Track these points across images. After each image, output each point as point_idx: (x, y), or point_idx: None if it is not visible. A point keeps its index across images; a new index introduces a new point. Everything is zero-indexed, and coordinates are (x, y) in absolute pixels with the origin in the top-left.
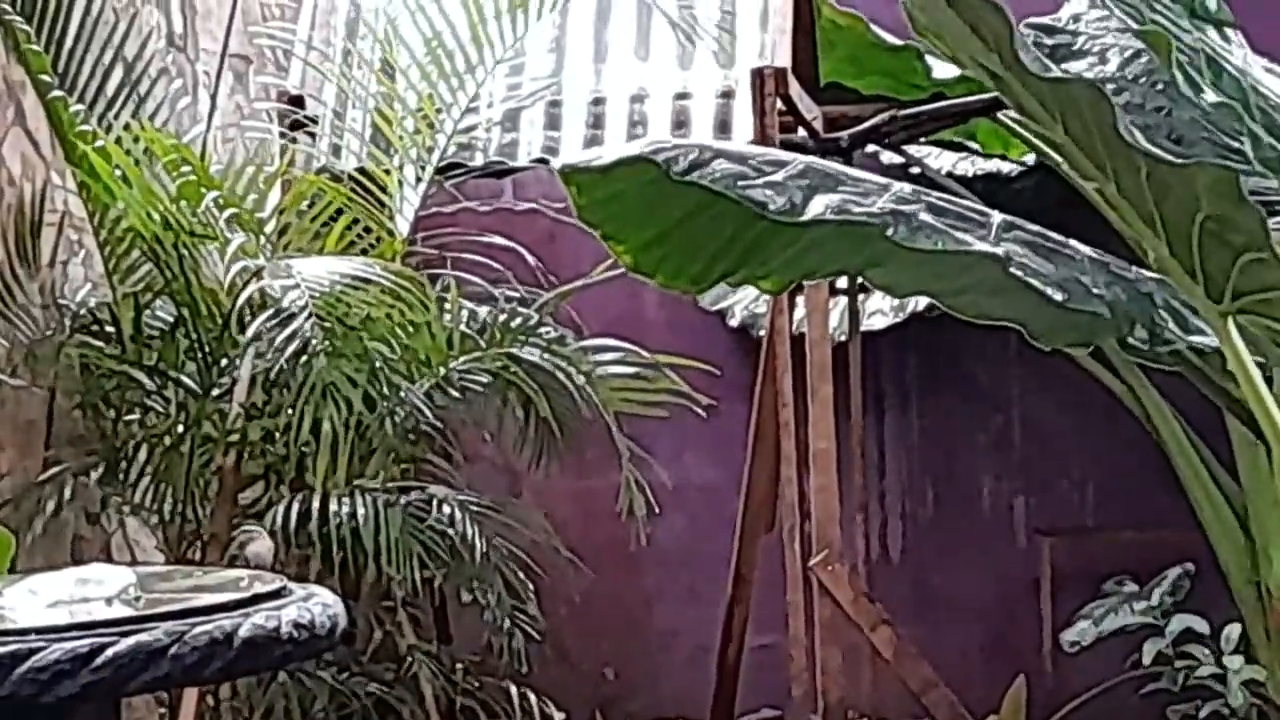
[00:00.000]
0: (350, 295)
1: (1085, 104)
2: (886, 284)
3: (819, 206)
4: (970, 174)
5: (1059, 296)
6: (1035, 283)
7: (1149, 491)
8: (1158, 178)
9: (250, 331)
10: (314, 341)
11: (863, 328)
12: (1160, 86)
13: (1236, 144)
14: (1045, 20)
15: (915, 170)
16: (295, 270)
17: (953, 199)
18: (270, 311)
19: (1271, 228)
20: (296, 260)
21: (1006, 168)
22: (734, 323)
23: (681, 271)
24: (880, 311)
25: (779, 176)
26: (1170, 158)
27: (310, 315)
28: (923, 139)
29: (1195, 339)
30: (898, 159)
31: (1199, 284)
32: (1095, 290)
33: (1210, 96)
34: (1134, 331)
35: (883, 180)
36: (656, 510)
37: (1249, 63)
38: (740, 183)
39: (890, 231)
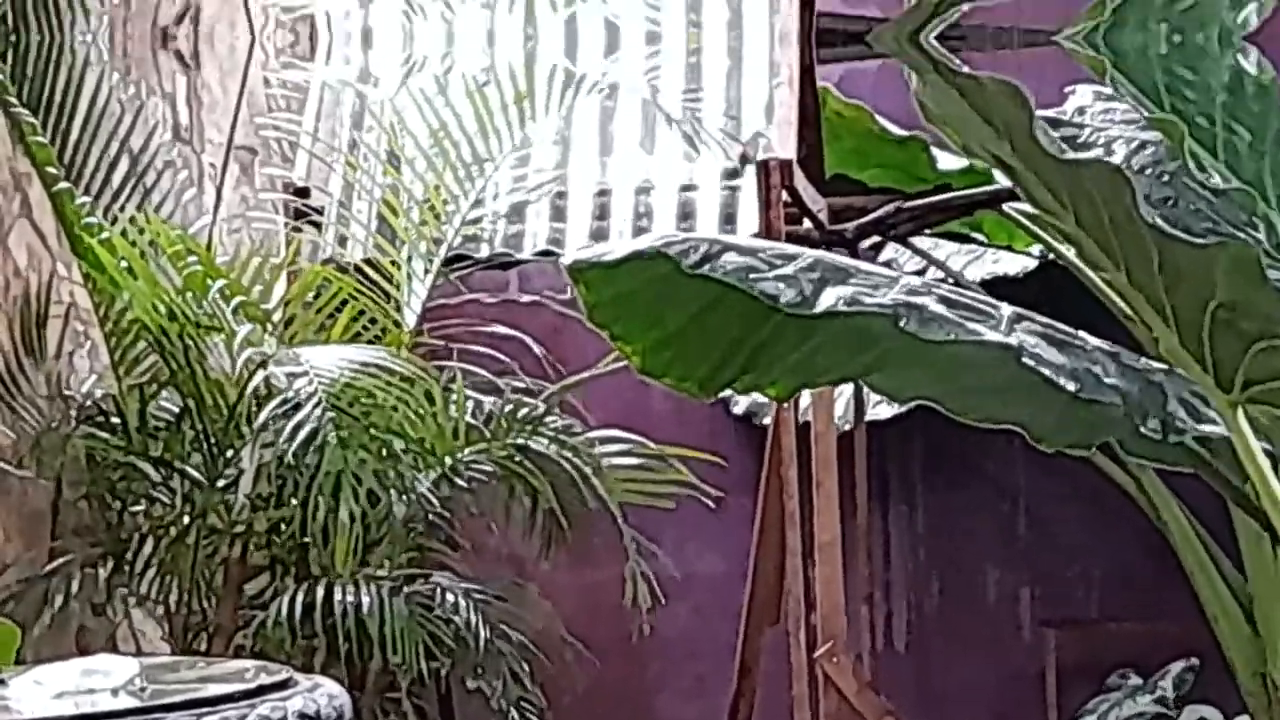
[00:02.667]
0: (359, 383)
1: (1103, 185)
2: (889, 389)
3: (830, 298)
4: (979, 278)
5: (1071, 386)
6: (1047, 372)
7: (1155, 584)
8: (1171, 262)
9: (259, 420)
10: (323, 430)
11: (868, 417)
12: (1166, 177)
13: (1244, 233)
14: (1050, 113)
15: (921, 263)
16: (303, 358)
17: (962, 291)
18: (278, 400)
19: None
20: (304, 349)
21: (1014, 269)
22: (738, 410)
23: (690, 375)
24: (885, 401)
25: (789, 269)
26: (1187, 238)
27: (320, 403)
28: (928, 231)
29: (1206, 428)
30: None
31: (1209, 373)
32: (1107, 380)
33: (1219, 183)
34: (1147, 422)
35: (892, 273)
36: (661, 601)
37: None
38: (752, 275)
39: (903, 322)
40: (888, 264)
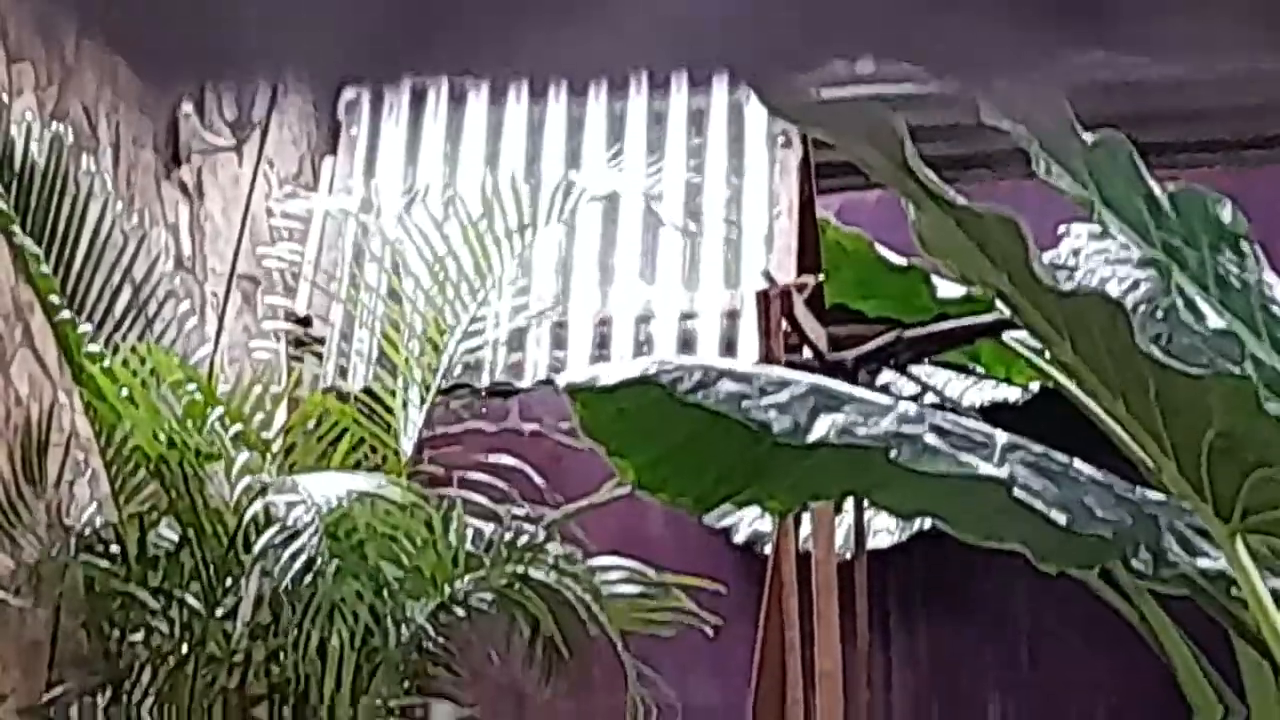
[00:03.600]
0: (357, 511)
1: (1100, 317)
2: (891, 505)
3: (823, 428)
4: (978, 404)
5: (1062, 520)
6: (1038, 505)
7: (1157, 712)
8: (1168, 392)
9: (258, 547)
10: (321, 558)
11: (869, 546)
12: (1160, 315)
13: (1237, 369)
14: (1046, 256)
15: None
16: (302, 486)
17: (957, 419)
18: (276, 528)
19: None
20: (303, 476)
21: (1013, 396)
22: (739, 539)
23: (686, 491)
24: (886, 530)
25: (783, 397)
26: (1183, 368)
27: (317, 530)
28: (927, 360)
29: (1201, 561)
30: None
31: (1207, 502)
32: (1099, 513)
33: (1212, 321)
34: (1138, 554)
35: (887, 400)
36: None
37: (1268, 281)
38: (745, 403)
39: (894, 454)
40: (885, 388)
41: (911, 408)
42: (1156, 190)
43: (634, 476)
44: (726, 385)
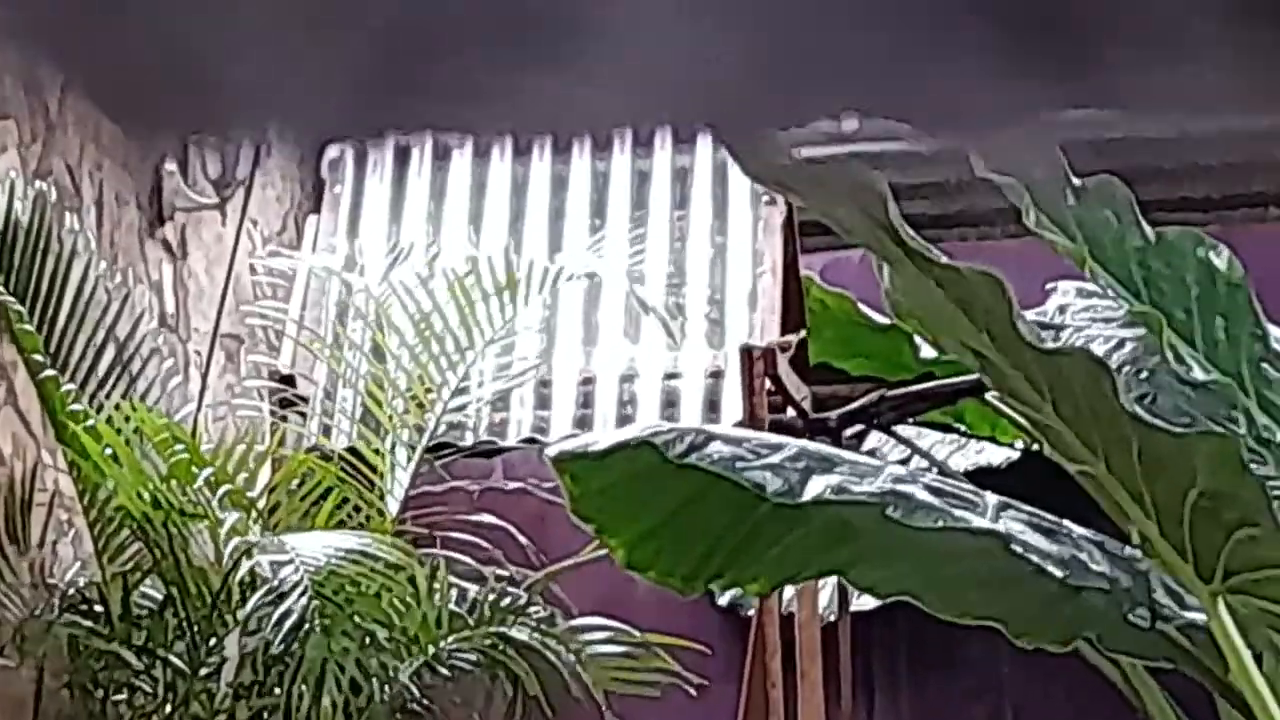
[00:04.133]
0: (343, 571)
1: (1082, 375)
2: (870, 583)
3: (818, 487)
4: (963, 469)
5: (1060, 573)
6: (1035, 559)
7: None
8: (1151, 451)
9: (249, 607)
10: (310, 618)
11: (852, 608)
12: (1145, 374)
13: (1224, 426)
14: (1031, 315)
15: (905, 452)
16: (289, 546)
17: (947, 480)
18: (264, 589)
19: None
20: (289, 536)
21: (998, 459)
22: (723, 602)
23: (674, 570)
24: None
25: (776, 459)
26: (1167, 427)
27: (306, 591)
28: (911, 420)
29: (1192, 615)
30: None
31: (1189, 562)
32: (1094, 567)
33: (1199, 377)
34: (1135, 610)
35: (876, 462)
36: None
37: (1260, 330)
38: (738, 464)
39: (890, 510)
40: (872, 453)
41: (902, 469)
42: (1150, 237)
43: (622, 555)
44: (718, 448)
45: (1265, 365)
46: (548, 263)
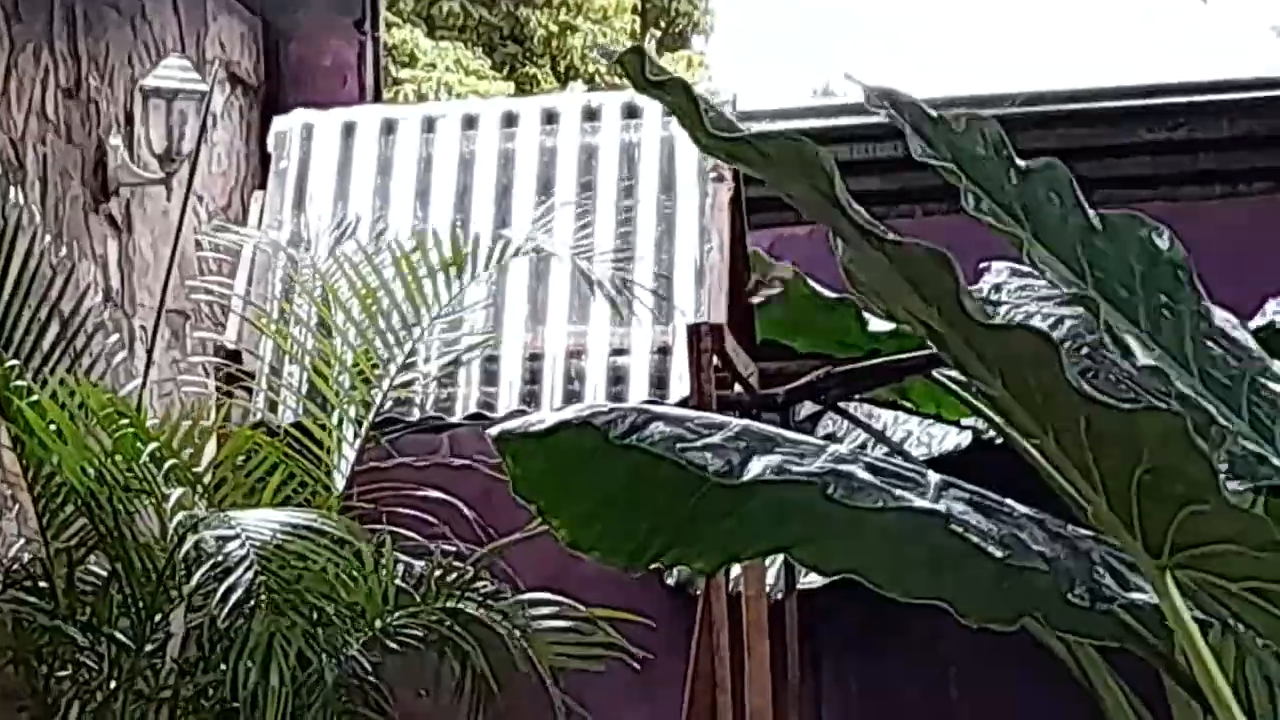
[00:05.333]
0: (290, 546)
1: (1029, 351)
2: (815, 561)
3: (758, 467)
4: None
5: (999, 553)
6: (975, 539)
7: None
8: (1098, 427)
9: (193, 582)
10: (256, 594)
11: (799, 585)
12: (1085, 351)
13: (1166, 403)
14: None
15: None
16: (235, 521)
17: (890, 459)
18: (210, 564)
19: None
20: (235, 512)
21: (949, 447)
22: (671, 581)
23: (618, 548)
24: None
25: (717, 439)
26: (1114, 402)
27: (251, 566)
28: (857, 398)
29: (1135, 596)
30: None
31: (1137, 538)
32: (1034, 546)
33: (1140, 358)
34: (1075, 589)
35: (819, 441)
36: None
37: (1203, 310)
38: (679, 445)
39: (830, 490)
40: (829, 436)
41: (844, 448)
42: (1094, 220)
43: (565, 534)
44: (660, 428)
45: (1209, 343)
46: (495, 238)
